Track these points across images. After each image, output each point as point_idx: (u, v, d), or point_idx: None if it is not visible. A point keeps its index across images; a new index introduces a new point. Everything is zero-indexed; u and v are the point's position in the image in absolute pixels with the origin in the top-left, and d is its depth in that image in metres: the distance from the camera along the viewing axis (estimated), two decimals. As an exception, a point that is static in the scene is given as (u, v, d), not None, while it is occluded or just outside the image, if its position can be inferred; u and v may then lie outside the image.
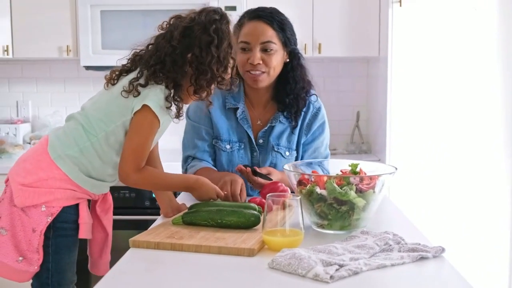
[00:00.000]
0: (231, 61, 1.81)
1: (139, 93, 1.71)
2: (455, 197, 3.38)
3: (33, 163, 1.76)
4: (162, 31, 1.79)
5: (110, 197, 1.94)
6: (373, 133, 3.84)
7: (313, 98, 2.26)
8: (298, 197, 1.54)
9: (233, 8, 3.47)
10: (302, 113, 2.22)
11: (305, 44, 3.51)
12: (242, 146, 2.20)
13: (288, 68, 2.18)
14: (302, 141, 2.25)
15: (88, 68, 3.60)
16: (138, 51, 1.81)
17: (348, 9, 3.57)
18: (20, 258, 1.71)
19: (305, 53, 3.50)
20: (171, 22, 1.79)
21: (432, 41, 3.33)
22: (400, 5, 3.28)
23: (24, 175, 1.74)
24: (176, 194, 2.39)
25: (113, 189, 3.20)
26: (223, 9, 3.37)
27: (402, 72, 3.35)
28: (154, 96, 1.70)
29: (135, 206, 3.29)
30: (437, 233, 3.25)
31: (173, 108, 1.77)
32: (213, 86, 1.80)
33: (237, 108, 2.19)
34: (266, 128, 2.21)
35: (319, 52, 3.56)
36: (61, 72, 3.98)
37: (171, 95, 1.74)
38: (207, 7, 1.83)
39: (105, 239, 1.93)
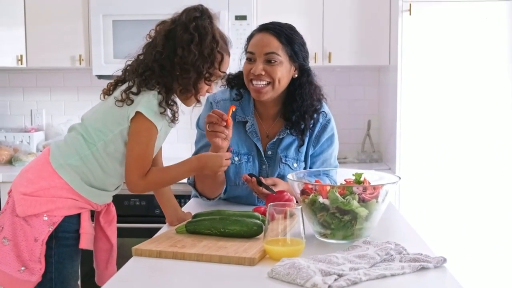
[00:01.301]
0: (218, 56, 1.79)
1: (132, 101, 1.72)
2: (466, 207, 3.36)
3: (35, 172, 1.78)
4: (150, 40, 1.80)
5: (113, 208, 1.95)
6: (384, 142, 3.83)
7: (323, 110, 2.24)
8: (300, 207, 1.54)
9: (244, 18, 3.49)
10: (311, 125, 2.20)
11: (315, 53, 3.51)
12: (251, 159, 2.19)
13: (296, 84, 2.15)
14: (310, 153, 2.24)
15: (100, 77, 3.64)
16: (130, 62, 1.81)
17: (358, 18, 3.57)
18: (22, 268, 1.71)
19: (315, 62, 3.51)
20: (157, 29, 1.80)
21: (442, 50, 3.32)
22: (410, 14, 3.27)
23: (26, 184, 1.75)
24: (182, 203, 2.41)
25: (123, 198, 3.28)
26: (233, 18, 3.46)
27: (413, 80, 3.34)
28: (146, 102, 1.71)
29: (146, 214, 3.31)
30: (445, 243, 3.25)
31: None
32: (206, 83, 1.79)
33: (247, 121, 2.19)
34: (274, 140, 2.20)
35: (329, 61, 3.56)
36: (74, 81, 4.03)
37: (164, 99, 1.73)
38: (188, 6, 1.81)
39: (110, 250, 1.93)
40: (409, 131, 3.37)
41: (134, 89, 1.74)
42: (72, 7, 3.62)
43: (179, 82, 1.76)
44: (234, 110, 1.98)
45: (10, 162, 3.66)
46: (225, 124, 1.92)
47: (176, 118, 1.79)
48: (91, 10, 3.56)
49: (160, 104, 1.72)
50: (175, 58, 1.74)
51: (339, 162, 3.62)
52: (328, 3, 3.56)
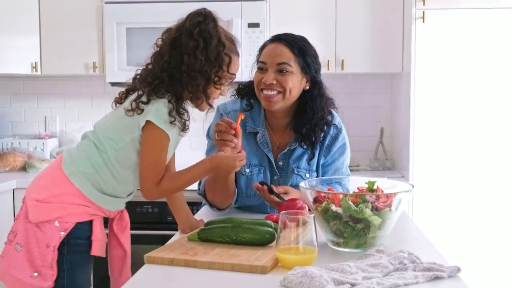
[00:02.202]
0: (226, 58, 1.78)
1: (142, 110, 1.72)
2: (480, 215, 3.33)
3: (48, 179, 1.79)
4: (157, 48, 1.80)
5: (126, 215, 1.95)
6: (397, 149, 3.81)
7: (334, 119, 2.22)
8: (312, 215, 1.53)
9: (257, 25, 3.50)
10: (321, 139, 2.19)
11: (328, 61, 3.51)
12: (262, 170, 2.18)
13: (307, 97, 2.14)
14: (321, 163, 2.23)
15: (113, 84, 3.66)
16: (140, 71, 1.82)
17: (371, 25, 3.56)
18: (35, 274, 1.72)
19: (328, 69, 3.51)
20: (163, 38, 1.80)
21: (455, 57, 3.30)
22: (423, 21, 3.26)
23: (39, 191, 1.77)
24: (195, 210, 2.40)
25: (136, 205, 3.28)
26: (246, 26, 3.47)
27: (426, 88, 3.33)
28: (156, 111, 1.71)
29: (158, 221, 3.31)
30: (459, 251, 3.22)
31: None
32: (215, 88, 1.79)
33: (257, 132, 2.18)
34: (285, 151, 2.19)
35: (342, 69, 3.55)
36: (88, 88, 4.06)
37: (175, 108, 1.73)
38: (191, 11, 1.79)
39: (124, 257, 1.93)
40: (422, 138, 3.35)
41: (144, 98, 1.74)
42: (86, 15, 3.65)
43: (189, 89, 1.75)
44: (242, 118, 1.98)
45: (24, 168, 3.69)
46: (234, 132, 1.91)
47: (187, 127, 1.79)
48: (105, 18, 3.59)
49: (170, 113, 1.72)
50: (182, 66, 1.74)
51: (352, 170, 3.62)
52: (341, 10, 3.56)
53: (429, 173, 3.35)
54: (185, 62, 1.73)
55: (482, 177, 3.33)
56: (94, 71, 3.67)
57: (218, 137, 1.93)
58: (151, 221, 3.31)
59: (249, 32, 3.48)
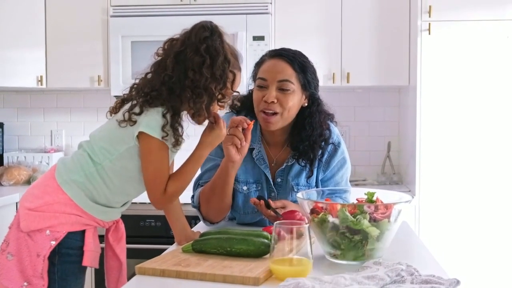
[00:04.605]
0: (231, 75, 1.75)
1: (135, 122, 1.69)
2: (488, 231, 3.26)
3: (41, 188, 1.77)
4: (158, 58, 1.76)
5: (122, 226, 1.93)
6: (404, 164, 3.76)
7: (333, 134, 2.17)
8: (306, 225, 1.49)
9: (262, 38, 3.49)
10: (319, 156, 2.13)
11: (334, 73, 3.48)
12: (259, 187, 2.13)
13: (305, 113, 2.09)
14: (320, 178, 2.17)
15: (118, 97, 3.64)
16: (138, 80, 1.79)
17: (377, 38, 3.54)
18: (25, 284, 1.70)
19: (334, 82, 3.49)
20: (166, 47, 1.76)
21: (462, 70, 3.26)
22: (429, 33, 3.23)
23: (31, 199, 1.75)
24: (193, 224, 2.37)
25: (139, 218, 3.26)
26: (251, 39, 3.45)
27: (433, 101, 3.28)
28: (149, 121, 1.68)
29: (161, 235, 3.28)
30: (466, 266, 3.16)
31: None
32: (218, 105, 1.76)
33: (253, 149, 2.12)
34: (283, 167, 2.13)
35: (348, 82, 3.52)
36: (94, 101, 4.06)
37: (169, 123, 1.69)
38: (197, 24, 1.75)
39: (120, 269, 1.90)
40: (429, 152, 3.30)
41: (136, 109, 1.70)
42: (92, 28, 3.67)
43: (190, 105, 1.71)
44: (254, 123, 1.96)
45: (28, 182, 3.68)
46: (246, 127, 1.89)
47: (180, 143, 1.74)
48: (110, 31, 3.60)
49: (163, 128, 1.68)
50: (186, 81, 1.69)
51: (358, 184, 3.59)
52: (347, 23, 3.54)
53: (436, 188, 3.29)
54: (190, 77, 1.69)
55: (490, 191, 3.27)
56: (99, 85, 3.67)
57: (229, 132, 1.90)
58: (154, 235, 3.27)
59: (254, 45, 3.47)
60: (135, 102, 1.73)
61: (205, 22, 1.76)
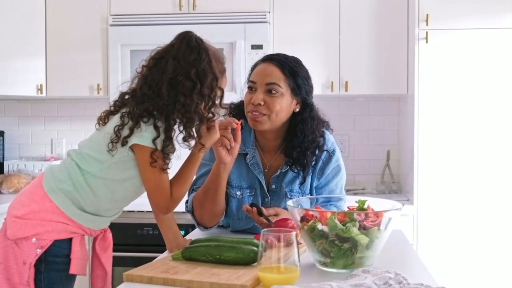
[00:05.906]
0: (219, 92, 1.76)
1: (126, 142, 1.68)
2: (486, 241, 3.24)
3: (28, 195, 1.77)
4: (144, 73, 1.75)
5: (110, 235, 1.92)
6: (404, 173, 3.75)
7: (327, 142, 2.16)
8: (294, 232, 1.49)
9: (260, 47, 3.49)
10: (313, 163, 2.13)
11: (332, 82, 3.48)
12: (253, 193, 2.13)
13: (297, 119, 2.09)
14: (314, 185, 2.17)
15: (115, 107, 3.66)
16: (124, 92, 1.77)
17: (375, 47, 3.54)
18: None
19: (332, 91, 3.48)
20: (152, 64, 1.75)
21: (460, 78, 3.26)
22: (427, 42, 3.23)
23: (18, 207, 1.75)
24: (190, 231, 2.37)
25: (136, 227, 3.25)
26: (249, 47, 3.45)
27: (431, 110, 3.28)
28: (140, 131, 1.67)
29: (158, 243, 3.26)
30: (464, 277, 3.14)
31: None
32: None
33: (247, 153, 2.12)
34: (277, 174, 2.13)
35: (346, 90, 3.52)
36: (94, 110, 4.03)
37: (160, 136, 1.68)
38: (181, 42, 1.74)
39: (105, 278, 1.89)
40: (427, 161, 3.29)
41: (126, 132, 1.68)
42: (92, 37, 3.69)
43: (181, 129, 1.72)
44: (242, 123, 1.96)
45: (28, 190, 3.69)
46: (235, 127, 1.90)
47: (168, 165, 1.73)
48: (109, 40, 3.62)
49: (151, 156, 1.67)
50: (176, 105, 1.69)
51: (357, 193, 3.59)
52: (345, 32, 3.54)
53: (434, 197, 3.28)
54: (181, 101, 1.69)
55: (489, 199, 3.25)
56: (98, 93, 3.69)
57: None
58: (151, 244, 3.26)
59: (252, 53, 3.47)
60: (126, 120, 1.69)
61: (190, 39, 1.75)
